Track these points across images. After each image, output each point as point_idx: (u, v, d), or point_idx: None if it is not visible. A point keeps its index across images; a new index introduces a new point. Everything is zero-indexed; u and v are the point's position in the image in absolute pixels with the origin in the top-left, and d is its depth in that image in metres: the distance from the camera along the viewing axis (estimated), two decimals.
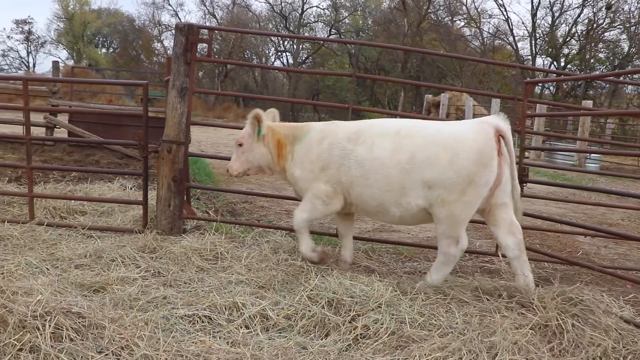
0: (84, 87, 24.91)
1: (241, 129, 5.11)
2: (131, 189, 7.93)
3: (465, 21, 43.11)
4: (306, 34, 48.23)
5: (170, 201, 5.59)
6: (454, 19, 43.46)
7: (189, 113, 5.51)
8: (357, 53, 42.52)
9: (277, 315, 3.77)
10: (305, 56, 49.78)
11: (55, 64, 15.29)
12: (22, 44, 57.29)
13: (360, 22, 49.99)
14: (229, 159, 5.25)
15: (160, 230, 5.59)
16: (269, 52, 50.80)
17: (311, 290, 4.05)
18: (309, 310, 3.83)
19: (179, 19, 52.68)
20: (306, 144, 4.78)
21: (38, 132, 12.77)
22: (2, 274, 4.30)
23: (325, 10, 49.51)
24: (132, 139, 5.76)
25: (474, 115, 24.97)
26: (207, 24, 46.87)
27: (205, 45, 5.74)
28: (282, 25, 48.59)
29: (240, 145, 5.01)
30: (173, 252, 5.03)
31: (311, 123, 4.98)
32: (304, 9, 48.48)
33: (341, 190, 4.64)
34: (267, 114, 5.03)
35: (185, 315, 3.73)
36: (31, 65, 57.58)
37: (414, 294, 4.23)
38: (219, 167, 10.96)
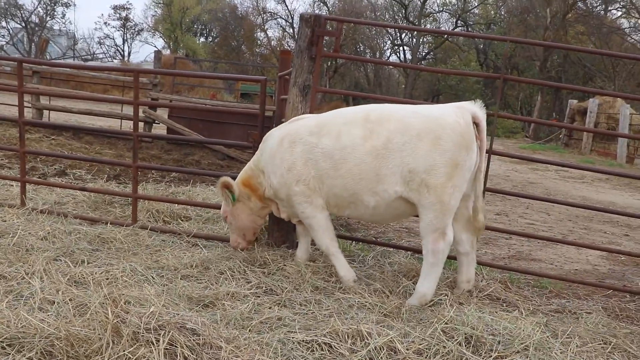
0: (181, 80, 26.18)
1: None
2: None
3: (624, 10, 41.07)
4: (428, 26, 47.95)
5: None
6: (609, 8, 41.53)
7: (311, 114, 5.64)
8: (492, 49, 41.72)
9: (407, 350, 3.75)
10: (426, 51, 49.53)
11: (157, 54, 16.21)
12: (119, 31, 61.11)
13: (492, 12, 49.09)
14: None
15: (271, 243, 5.75)
16: (385, 46, 51.03)
17: (446, 323, 4.00)
18: (444, 347, 3.78)
19: (286, 7, 54.42)
20: (267, 153, 5.14)
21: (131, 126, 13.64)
22: (107, 279, 4.62)
23: None
24: (233, 138, 5.98)
25: (630, 127, 23.69)
26: (317, 12, 47.75)
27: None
28: (400, 15, 48.66)
29: (226, 218, 5.53)
30: (286, 268, 5.17)
31: (268, 132, 5.34)
32: None
33: (313, 186, 4.89)
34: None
35: (304, 340, 3.80)
36: (126, 54, 61.29)
37: (567, 338, 4.11)
38: None
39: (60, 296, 4.06)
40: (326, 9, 49.57)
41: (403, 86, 48.70)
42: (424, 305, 4.62)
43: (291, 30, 53.04)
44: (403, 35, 49.65)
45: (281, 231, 5.79)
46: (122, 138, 13.48)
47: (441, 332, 3.91)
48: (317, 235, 5.07)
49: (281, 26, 54.73)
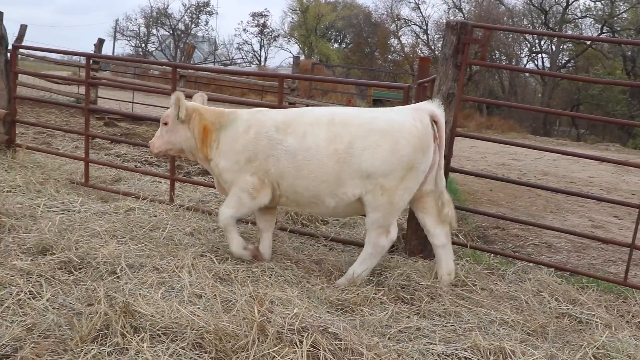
0: (315, 85, 26.67)
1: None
2: None
3: None
4: (568, 32, 45.81)
5: None
6: None
7: (455, 123, 5.53)
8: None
9: None
10: (567, 59, 47.42)
11: (296, 60, 16.62)
12: (256, 37, 63.30)
13: None
14: (474, 174, 6.83)
15: (409, 251, 5.71)
16: (521, 53, 49.40)
17: (597, 348, 3.79)
18: None
19: (420, 13, 53.83)
20: (232, 133, 5.07)
21: None
22: (249, 277, 4.77)
23: (597, 3, 46.54)
24: None
25: None
26: (451, 17, 47.02)
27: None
28: (539, 21, 46.89)
29: (166, 124, 5.35)
30: (424, 277, 5.10)
31: (239, 111, 5.24)
32: (569, 2, 46.21)
33: (269, 182, 4.97)
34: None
35: (444, 353, 3.73)
36: (262, 59, 63.36)
37: None
38: (463, 184, 10.90)
39: (207, 291, 4.23)
40: (461, 15, 48.64)
41: (540, 95, 46.88)
42: (351, 286, 4.76)
43: (425, 37, 52.60)
44: (542, 42, 47.77)
45: (419, 239, 5.72)
46: None
47: (592, 358, 3.71)
48: (228, 210, 5.11)
49: (415, 33, 54.40)
